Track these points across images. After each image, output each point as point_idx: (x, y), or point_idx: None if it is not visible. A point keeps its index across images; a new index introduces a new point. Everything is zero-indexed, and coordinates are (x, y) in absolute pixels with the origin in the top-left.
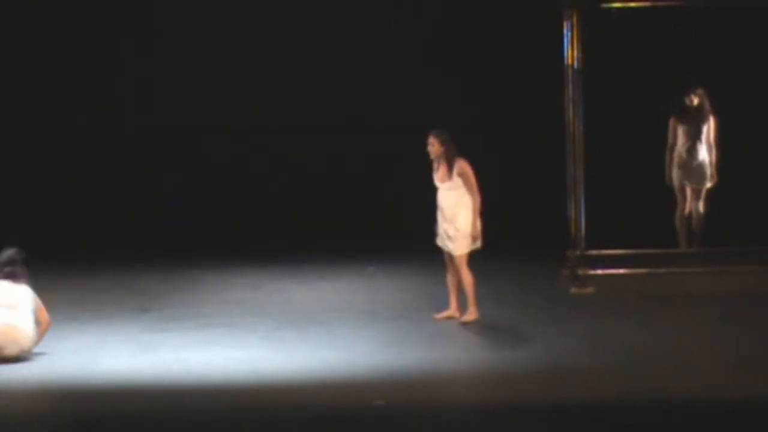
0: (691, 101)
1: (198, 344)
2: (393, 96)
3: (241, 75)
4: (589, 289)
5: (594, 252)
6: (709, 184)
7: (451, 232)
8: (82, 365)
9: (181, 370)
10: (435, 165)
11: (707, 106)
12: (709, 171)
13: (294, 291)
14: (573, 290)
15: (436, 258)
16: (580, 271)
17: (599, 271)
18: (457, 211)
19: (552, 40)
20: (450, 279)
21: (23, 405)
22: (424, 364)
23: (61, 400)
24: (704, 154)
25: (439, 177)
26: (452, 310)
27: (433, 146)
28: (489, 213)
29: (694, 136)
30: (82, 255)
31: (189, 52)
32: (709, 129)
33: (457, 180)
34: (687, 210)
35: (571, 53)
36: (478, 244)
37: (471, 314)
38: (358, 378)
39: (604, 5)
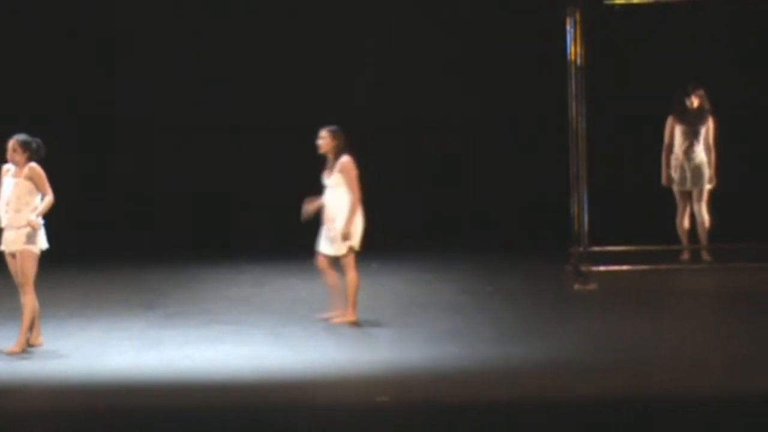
0: (692, 102)
1: (203, 341)
2: (395, 93)
3: (239, 74)
4: (592, 286)
5: (597, 248)
6: (708, 187)
7: (332, 233)
8: (86, 362)
9: (185, 367)
10: (327, 164)
11: (707, 106)
12: (707, 173)
13: (299, 287)
14: (576, 287)
15: (440, 255)
16: (583, 268)
17: (602, 268)
18: (338, 211)
19: (555, 37)
20: (328, 282)
21: (27, 402)
22: (427, 360)
23: (65, 396)
24: (702, 155)
25: (326, 174)
26: (336, 309)
27: (324, 140)
28: (489, 210)
29: (692, 137)
30: (86, 252)
31: (196, 52)
32: (707, 130)
33: (339, 177)
34: (689, 215)
35: (574, 50)
36: (352, 243)
37: (349, 315)
38: (362, 374)
39: (607, 2)
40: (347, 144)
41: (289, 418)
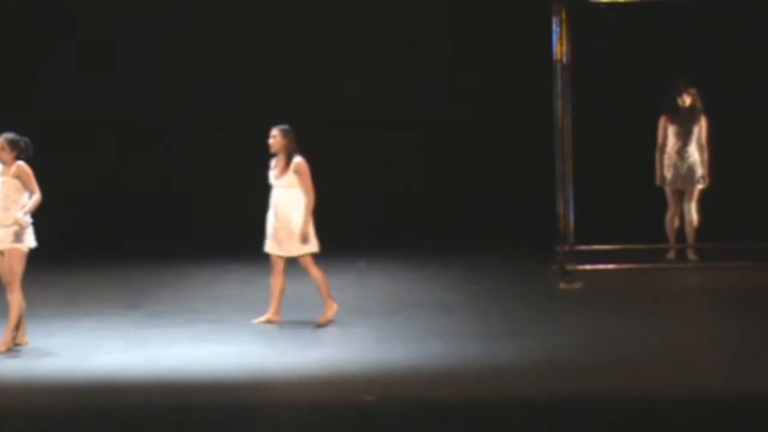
0: (684, 101)
1: (188, 340)
2: (384, 94)
3: (219, 73)
4: (578, 285)
5: (583, 247)
6: (700, 186)
7: (284, 233)
8: (73, 361)
9: (172, 366)
10: (273, 162)
11: (699, 105)
12: (699, 172)
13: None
14: (562, 285)
15: (426, 254)
16: (568, 267)
17: (588, 267)
18: (291, 211)
19: (541, 36)
20: (273, 282)
21: (12, 401)
22: (414, 360)
23: (51, 395)
24: (695, 155)
25: (276, 173)
26: (270, 314)
27: (276, 139)
28: (475, 209)
29: (685, 137)
30: (72, 252)
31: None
32: (700, 129)
33: (293, 177)
34: (678, 214)
35: (560, 49)
36: (312, 246)
37: (329, 309)
38: (348, 374)
39: (593, 0)
40: (298, 143)
41: (274, 417)
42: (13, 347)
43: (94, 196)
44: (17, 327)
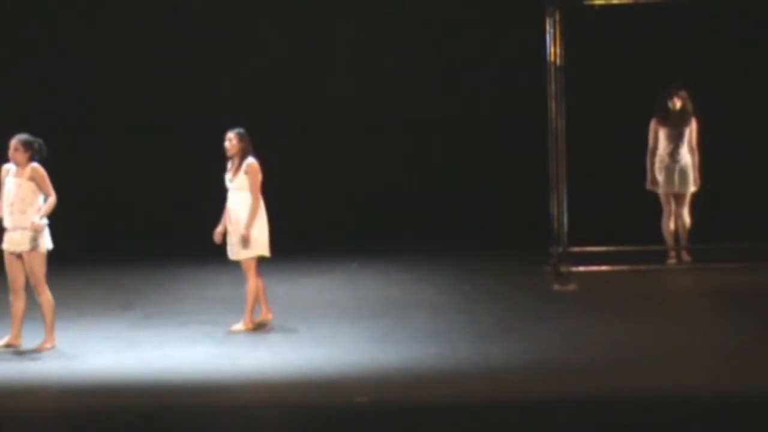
0: (674, 104)
1: (181, 341)
2: (379, 94)
3: (233, 76)
4: (572, 286)
5: (576, 249)
6: (692, 189)
7: (236, 237)
8: (65, 363)
9: (164, 367)
10: (230, 164)
11: (690, 108)
12: (692, 175)
13: (277, 288)
14: (555, 287)
15: (419, 255)
16: (562, 268)
17: (582, 268)
18: (241, 214)
19: (535, 37)
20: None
21: (4, 403)
22: (406, 360)
23: (44, 397)
24: (687, 157)
25: (230, 176)
26: (263, 313)
27: (231, 142)
28: (468, 210)
29: (677, 140)
30: (64, 253)
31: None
32: (691, 132)
33: (243, 179)
34: (674, 218)
35: (553, 50)
36: (260, 250)
37: (245, 324)
38: (340, 375)
39: (587, 2)
40: (252, 146)
41: (266, 419)
42: (7, 348)
43: (86, 198)
44: (15, 327)
